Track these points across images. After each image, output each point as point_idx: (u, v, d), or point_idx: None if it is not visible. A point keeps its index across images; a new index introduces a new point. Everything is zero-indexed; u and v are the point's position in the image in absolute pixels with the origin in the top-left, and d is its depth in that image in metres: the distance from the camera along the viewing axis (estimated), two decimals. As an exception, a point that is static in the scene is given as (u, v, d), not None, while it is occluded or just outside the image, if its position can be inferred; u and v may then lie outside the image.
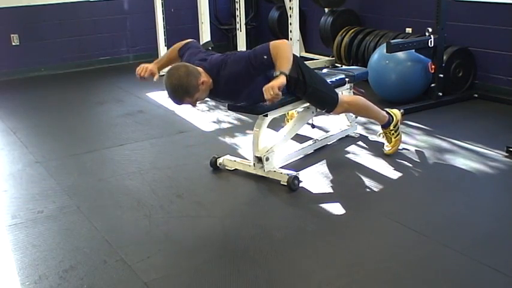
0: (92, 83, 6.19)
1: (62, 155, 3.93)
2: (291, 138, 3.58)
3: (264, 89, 2.80)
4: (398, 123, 3.66)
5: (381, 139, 3.74)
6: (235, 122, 4.51)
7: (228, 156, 3.52)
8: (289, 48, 2.98)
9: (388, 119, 3.61)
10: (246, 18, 6.70)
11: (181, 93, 2.88)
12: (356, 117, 4.00)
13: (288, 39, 5.67)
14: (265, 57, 2.91)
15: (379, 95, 4.73)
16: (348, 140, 3.95)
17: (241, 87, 3.03)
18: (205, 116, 4.69)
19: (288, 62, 2.91)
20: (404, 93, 4.68)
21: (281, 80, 2.80)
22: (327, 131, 4.03)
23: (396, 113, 3.67)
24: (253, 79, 2.98)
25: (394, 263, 2.44)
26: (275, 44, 2.95)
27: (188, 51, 3.18)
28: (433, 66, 4.56)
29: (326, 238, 2.69)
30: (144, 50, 7.02)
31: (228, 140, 4.10)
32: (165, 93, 2.98)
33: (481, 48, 4.93)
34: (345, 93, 3.75)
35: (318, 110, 3.56)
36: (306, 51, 6.69)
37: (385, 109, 3.68)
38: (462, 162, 3.49)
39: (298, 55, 5.33)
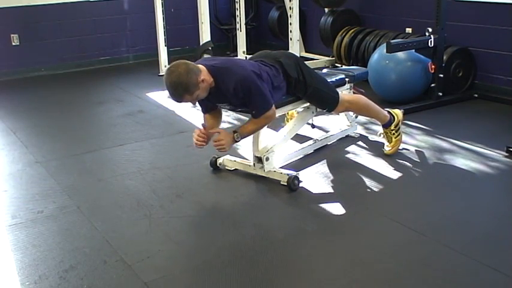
0: (92, 83, 6.19)
1: (62, 155, 3.93)
2: (291, 138, 3.58)
3: (216, 138, 3.06)
4: (400, 124, 3.65)
5: (381, 139, 3.74)
6: (235, 122, 4.51)
7: (228, 156, 3.52)
8: (265, 125, 3.19)
9: (390, 119, 3.61)
10: (246, 18, 6.70)
11: (181, 91, 2.89)
12: (356, 117, 4.00)
13: (288, 39, 5.69)
14: (253, 111, 3.08)
15: (379, 95, 4.73)
16: (348, 140, 3.95)
17: (240, 100, 3.06)
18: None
19: (250, 132, 3.16)
20: (404, 93, 4.68)
21: (231, 143, 3.09)
22: (327, 131, 4.03)
23: (398, 113, 3.67)
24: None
25: (394, 263, 2.44)
26: (270, 115, 3.10)
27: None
28: (433, 66, 4.56)
29: (326, 238, 2.69)
30: (144, 50, 7.02)
31: (228, 140, 4.09)
32: (165, 93, 2.98)
33: (481, 48, 4.93)
34: (345, 93, 3.74)
35: (319, 109, 3.56)
36: (306, 51, 6.69)
37: (387, 109, 3.68)
38: (462, 162, 3.49)
39: (298, 55, 5.33)
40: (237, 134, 3.09)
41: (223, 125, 4.43)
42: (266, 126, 3.27)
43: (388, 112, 3.64)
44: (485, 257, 2.44)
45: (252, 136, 3.31)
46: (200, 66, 2.96)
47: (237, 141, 3.11)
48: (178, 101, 3.02)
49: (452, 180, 3.29)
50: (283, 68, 3.21)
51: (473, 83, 5.00)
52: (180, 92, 2.90)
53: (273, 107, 3.10)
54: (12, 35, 6.34)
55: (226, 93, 3.02)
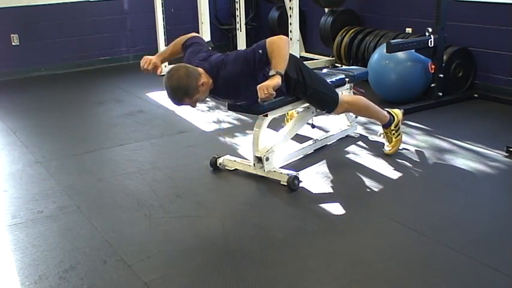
0: (92, 83, 6.19)
1: (62, 155, 3.93)
2: (291, 138, 3.58)
3: (258, 87, 2.81)
4: (400, 123, 3.65)
5: (381, 139, 3.75)
6: (235, 122, 4.51)
7: (228, 156, 3.52)
8: (286, 45, 2.94)
9: (389, 119, 3.61)
10: (246, 18, 6.70)
11: (181, 94, 2.89)
12: (356, 117, 4.00)
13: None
14: (260, 51, 2.89)
15: (379, 95, 4.73)
16: (348, 140, 3.95)
17: (241, 87, 3.04)
18: (205, 116, 4.69)
19: (283, 60, 2.89)
20: (404, 93, 4.68)
21: (276, 80, 2.81)
22: (327, 131, 4.03)
23: (397, 112, 3.67)
24: (253, 78, 2.98)
25: (394, 263, 2.44)
26: (272, 40, 2.92)
27: (190, 48, 3.16)
28: (433, 66, 4.56)
29: (326, 238, 2.69)
30: (144, 50, 6.91)
31: (228, 140, 4.10)
32: (165, 93, 2.98)
33: (481, 48, 4.93)
34: (345, 93, 3.74)
35: (318, 110, 3.56)
36: (306, 51, 6.70)
37: (386, 109, 3.68)
38: (462, 162, 3.49)
39: (298, 55, 5.34)
40: (273, 71, 2.83)
41: (223, 125, 4.46)
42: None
43: (388, 112, 3.64)
44: (485, 257, 2.44)
45: (252, 136, 3.33)
46: (199, 69, 2.96)
47: (275, 75, 2.81)
48: (177, 104, 3.02)
49: (452, 180, 3.29)
50: (283, 69, 3.20)
51: (473, 83, 5.00)
52: (180, 96, 2.90)
53: (269, 38, 2.93)
54: (12, 35, 6.34)
55: (227, 87, 3.01)
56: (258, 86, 2.81)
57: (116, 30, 6.98)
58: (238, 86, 3.02)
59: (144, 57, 3.17)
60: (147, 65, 3.13)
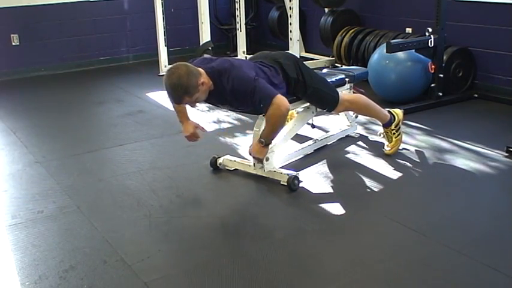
0: (92, 83, 6.19)
1: (62, 155, 3.93)
2: (291, 138, 3.58)
3: (251, 148, 3.18)
4: (400, 123, 3.65)
5: (381, 139, 3.74)
6: (235, 122, 4.51)
7: (228, 156, 3.52)
8: (283, 118, 3.05)
9: (390, 118, 3.60)
10: (246, 18, 6.70)
11: (181, 92, 2.89)
12: (356, 117, 4.00)
13: (288, 39, 5.69)
14: (261, 105, 2.99)
15: (379, 95, 4.73)
16: (348, 140, 3.95)
17: (239, 101, 3.06)
18: (205, 116, 4.69)
19: (273, 133, 3.11)
20: (404, 93, 4.68)
21: (263, 153, 3.15)
22: (327, 131, 4.03)
23: (398, 112, 3.67)
24: (250, 101, 3.04)
25: (394, 263, 2.44)
26: (277, 107, 2.97)
27: None
28: (433, 66, 4.56)
29: (326, 238, 2.69)
30: (144, 50, 7.02)
31: (228, 140, 4.10)
32: (165, 93, 2.98)
33: (481, 48, 4.93)
34: (345, 92, 3.74)
35: (319, 109, 3.56)
36: (306, 51, 6.69)
37: (387, 109, 3.67)
38: (462, 162, 3.49)
39: (298, 55, 5.33)
40: (260, 139, 3.11)
41: (223, 125, 4.46)
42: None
43: (389, 112, 3.64)
44: (485, 257, 2.44)
45: (252, 136, 3.32)
46: (200, 69, 2.96)
47: (265, 144, 3.11)
48: (177, 103, 3.03)
49: (452, 180, 3.29)
50: (283, 69, 3.21)
51: (473, 83, 5.00)
52: (179, 94, 2.90)
53: (277, 95, 2.97)
54: (12, 35, 6.33)
55: (225, 95, 3.03)
56: (251, 147, 3.19)
57: (116, 30, 6.98)
58: (236, 100, 3.06)
59: (186, 136, 3.38)
60: (191, 135, 3.37)
